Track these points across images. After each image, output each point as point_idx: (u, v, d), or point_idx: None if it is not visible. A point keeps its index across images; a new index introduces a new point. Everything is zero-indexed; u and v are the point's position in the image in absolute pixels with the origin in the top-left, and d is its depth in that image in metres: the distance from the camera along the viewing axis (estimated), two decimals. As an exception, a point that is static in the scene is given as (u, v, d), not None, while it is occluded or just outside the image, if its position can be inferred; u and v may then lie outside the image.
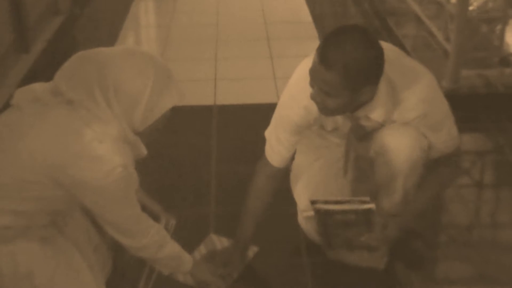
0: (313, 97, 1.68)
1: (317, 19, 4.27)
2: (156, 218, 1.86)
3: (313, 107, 1.75)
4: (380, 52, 1.60)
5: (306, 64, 1.74)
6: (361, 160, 2.03)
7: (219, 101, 3.20)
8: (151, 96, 1.48)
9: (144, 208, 1.73)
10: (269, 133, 1.93)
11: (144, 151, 1.58)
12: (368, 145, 1.91)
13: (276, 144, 1.89)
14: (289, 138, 1.87)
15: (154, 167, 2.56)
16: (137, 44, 4.08)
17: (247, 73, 3.55)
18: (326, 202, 1.83)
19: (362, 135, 1.91)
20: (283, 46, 3.88)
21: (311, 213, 1.89)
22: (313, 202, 1.85)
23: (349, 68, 1.56)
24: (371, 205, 1.79)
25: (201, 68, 3.60)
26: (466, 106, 2.88)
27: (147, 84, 1.47)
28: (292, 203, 2.15)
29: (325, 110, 1.70)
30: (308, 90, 1.70)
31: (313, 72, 1.63)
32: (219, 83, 3.41)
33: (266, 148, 1.93)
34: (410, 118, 1.76)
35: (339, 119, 1.85)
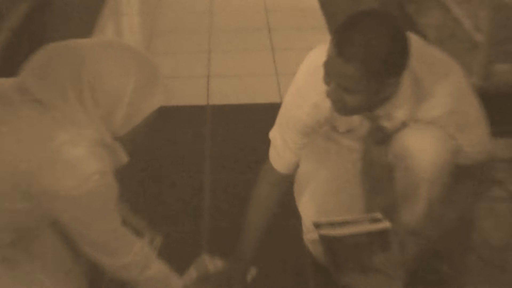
0: (329, 95, 1.68)
1: (326, 5, 4.28)
2: (139, 234, 1.87)
3: (324, 105, 1.77)
4: (405, 39, 1.61)
5: (315, 56, 1.75)
6: (377, 167, 2.03)
7: (213, 101, 3.22)
8: (133, 96, 1.50)
9: (125, 223, 1.73)
10: (273, 134, 1.95)
11: (124, 158, 1.58)
12: (386, 150, 1.91)
13: (282, 147, 1.91)
14: (297, 140, 1.89)
15: (138, 176, 2.59)
16: (118, 35, 4.10)
17: (245, 68, 3.57)
18: (332, 224, 1.84)
19: (381, 138, 1.91)
20: (287, 37, 3.90)
21: (317, 235, 1.91)
22: (317, 226, 1.86)
23: (372, 58, 1.57)
24: (386, 224, 1.79)
25: (192, 63, 3.62)
26: (499, 106, 2.85)
27: (129, 82, 1.49)
28: (296, 215, 2.16)
29: (343, 109, 1.71)
30: (318, 85, 1.71)
31: (329, 66, 1.64)
32: (213, 80, 3.43)
33: (270, 152, 1.95)
34: (436, 115, 1.78)
35: (356, 119, 1.86)
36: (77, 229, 1.60)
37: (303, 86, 1.83)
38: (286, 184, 1.99)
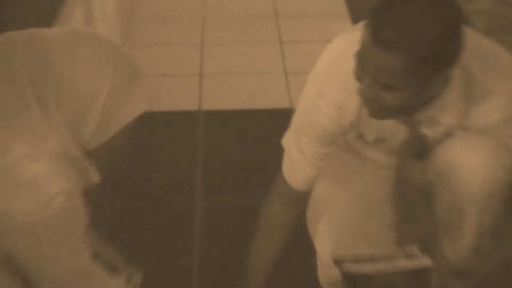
0: (363, 94, 1.68)
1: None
2: (114, 271, 1.86)
3: (349, 106, 1.77)
4: (459, 22, 1.61)
5: (338, 46, 1.76)
6: (413, 187, 2.01)
7: (206, 106, 3.24)
8: (108, 101, 1.50)
9: (96, 257, 1.72)
10: (288, 142, 1.95)
11: (95, 176, 1.58)
12: (425, 165, 1.90)
13: (298, 158, 1.92)
14: (316, 149, 1.89)
15: (113, 198, 2.60)
16: (88, 23, 4.13)
17: (246, 65, 3.58)
18: (357, 259, 1.85)
19: (420, 150, 1.90)
20: (298, 26, 3.92)
21: (337, 274, 1.90)
22: (338, 262, 1.87)
23: (419, 46, 1.56)
24: (425, 261, 1.79)
25: (181, 59, 3.63)
26: None
27: (102, 83, 1.49)
28: (309, 247, 2.16)
29: (379, 111, 1.71)
30: (342, 82, 1.72)
31: (363, 57, 1.63)
32: (207, 79, 3.45)
33: (284, 164, 1.96)
34: (491, 122, 1.77)
35: (388, 125, 1.85)
36: (34, 265, 1.57)
37: (323, 83, 1.83)
38: (303, 204, 2.00)
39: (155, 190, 2.70)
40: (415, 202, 2.04)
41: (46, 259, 1.56)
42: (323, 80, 1.83)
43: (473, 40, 1.72)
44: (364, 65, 1.64)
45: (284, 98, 3.23)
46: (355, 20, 3.43)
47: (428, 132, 1.82)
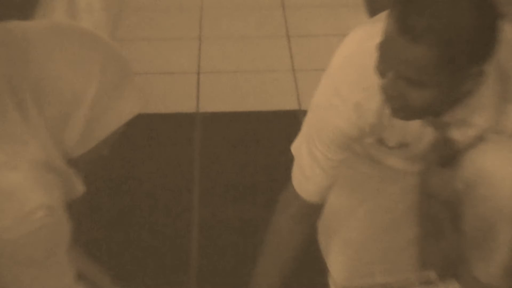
0: (386, 90, 1.66)
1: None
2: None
3: (370, 106, 1.77)
4: (494, 13, 1.59)
5: (357, 38, 1.78)
6: (439, 199, 2.02)
7: (205, 107, 3.22)
8: (95, 103, 1.50)
9: (81, 278, 1.70)
10: (298, 148, 1.94)
11: (80, 187, 1.58)
12: (453, 174, 1.90)
13: (310, 166, 1.90)
14: (331, 155, 1.88)
15: (100, 210, 2.59)
16: (72, 16, 4.14)
17: (249, 62, 3.57)
18: None
19: (448, 156, 1.90)
20: (308, 18, 3.93)
21: None
22: None
23: (451, 37, 1.55)
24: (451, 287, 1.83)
25: (176, 55, 3.63)
26: None
27: (89, 83, 1.49)
28: (321, 265, 2.16)
29: (405, 110, 1.69)
30: (361, 78, 1.73)
31: (387, 49, 1.62)
32: (205, 78, 3.44)
33: (294, 174, 1.95)
34: None
35: (413, 127, 1.84)
36: (11, 287, 1.54)
37: (340, 80, 1.82)
38: (315, 218, 2.00)
39: (146, 203, 2.68)
40: (441, 216, 2.06)
41: (25, 281, 1.54)
42: (340, 77, 1.82)
43: (510, 33, 1.71)
44: (387, 57, 1.62)
45: (292, 98, 3.20)
46: (370, 11, 3.41)
47: (458, 135, 1.81)
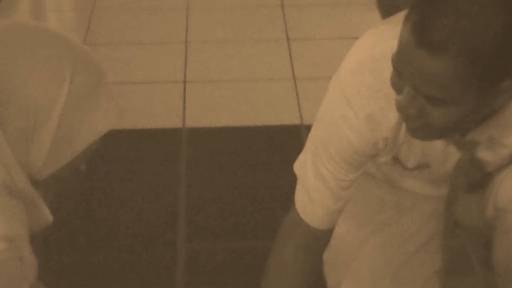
0: (401, 108, 1.63)
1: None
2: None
3: (386, 119, 1.76)
4: None
5: (368, 43, 1.77)
6: (465, 229, 1.99)
7: (191, 122, 3.23)
8: (65, 116, 1.50)
9: None
10: (301, 168, 1.92)
11: (48, 216, 1.58)
12: (481, 200, 1.85)
13: (317, 187, 1.89)
14: (341, 175, 1.86)
15: (74, 239, 2.56)
16: (37, 15, 4.16)
17: (242, 69, 3.57)
18: None
19: (476, 180, 1.85)
20: (310, 19, 3.94)
21: None
22: None
23: (477, 48, 1.52)
24: None
25: (160, 61, 3.63)
26: None
27: (58, 93, 1.49)
28: None
29: (425, 130, 1.66)
30: (375, 87, 1.72)
31: (403, 62, 1.58)
32: (192, 88, 3.45)
33: (297, 196, 1.94)
34: None
35: (436, 146, 1.81)
36: None
37: (351, 89, 1.80)
38: (323, 247, 1.98)
39: (128, 231, 2.69)
40: (467, 249, 2.06)
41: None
42: (351, 85, 1.80)
43: None
44: (403, 72, 1.60)
45: (293, 111, 3.19)
46: (383, 11, 3.39)
47: (488, 156, 1.77)
